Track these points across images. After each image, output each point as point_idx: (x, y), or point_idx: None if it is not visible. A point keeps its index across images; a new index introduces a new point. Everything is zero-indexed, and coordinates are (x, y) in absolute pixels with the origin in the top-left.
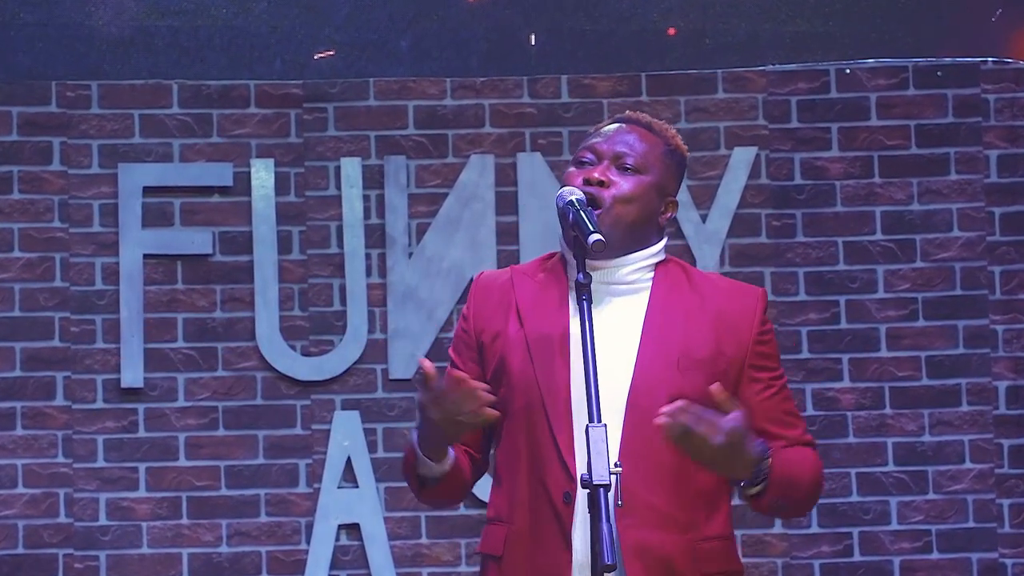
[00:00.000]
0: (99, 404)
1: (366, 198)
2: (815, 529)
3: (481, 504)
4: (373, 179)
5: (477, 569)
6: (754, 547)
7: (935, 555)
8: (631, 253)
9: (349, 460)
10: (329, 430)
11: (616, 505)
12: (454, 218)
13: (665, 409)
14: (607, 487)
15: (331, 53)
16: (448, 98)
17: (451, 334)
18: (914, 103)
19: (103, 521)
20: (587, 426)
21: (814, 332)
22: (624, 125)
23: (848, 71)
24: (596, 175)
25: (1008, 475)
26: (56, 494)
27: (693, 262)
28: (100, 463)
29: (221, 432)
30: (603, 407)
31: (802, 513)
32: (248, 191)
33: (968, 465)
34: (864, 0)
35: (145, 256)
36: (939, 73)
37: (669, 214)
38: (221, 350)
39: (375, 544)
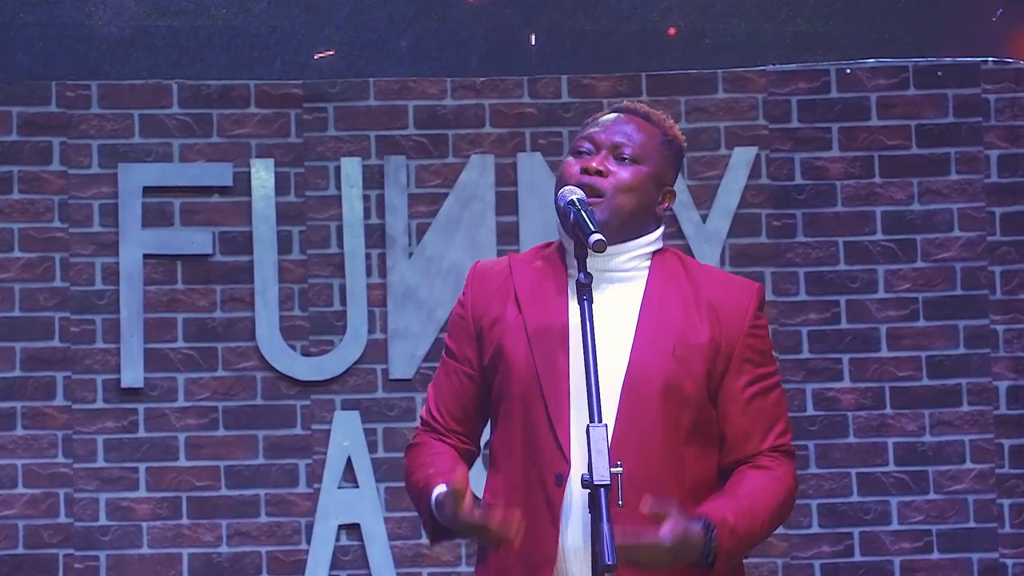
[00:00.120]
0: (99, 404)
1: (366, 198)
2: (816, 529)
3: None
4: (373, 179)
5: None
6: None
7: (936, 555)
8: (628, 241)
9: (349, 460)
10: (329, 430)
11: (616, 505)
12: (454, 218)
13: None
14: (607, 487)
15: (331, 53)
16: (448, 98)
17: None
18: (914, 103)
19: (103, 521)
20: (588, 426)
21: (814, 332)
22: (622, 115)
23: (848, 71)
24: (594, 164)
25: (1008, 475)
26: (56, 494)
27: None
28: (100, 463)
29: (221, 432)
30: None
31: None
32: (248, 191)
33: (968, 465)
34: (864, 0)
35: (145, 256)
36: (939, 73)
37: (666, 204)
38: (221, 350)
39: (375, 544)
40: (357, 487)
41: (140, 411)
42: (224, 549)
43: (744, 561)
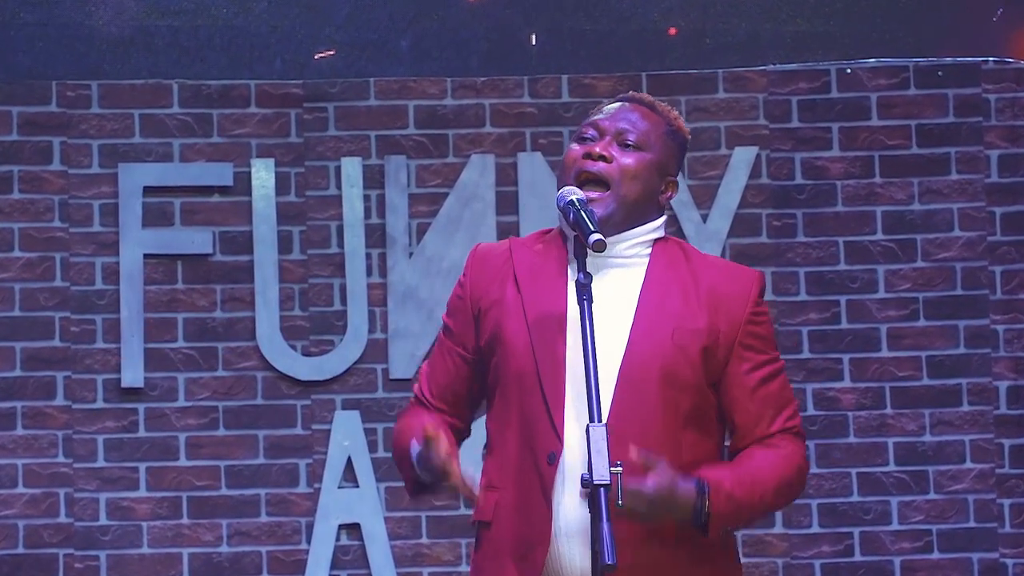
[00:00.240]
0: (99, 404)
1: (366, 198)
2: (816, 529)
3: None
4: (373, 179)
5: None
6: (754, 547)
7: (936, 555)
8: (630, 229)
9: (349, 460)
10: (329, 430)
11: (616, 506)
12: (454, 218)
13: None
14: (607, 487)
15: (331, 53)
16: (448, 98)
17: None
18: (915, 103)
19: (103, 521)
20: (587, 426)
21: (815, 332)
22: (627, 104)
23: (849, 71)
24: (597, 150)
25: (1009, 475)
26: (56, 494)
27: None
28: (100, 463)
29: (221, 432)
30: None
31: (773, 511)
32: (248, 191)
33: (969, 465)
34: (864, 0)
35: (145, 256)
36: (940, 73)
37: (669, 194)
38: (221, 350)
39: (375, 544)
40: (357, 487)
41: (140, 411)
42: (224, 549)
43: (744, 561)
